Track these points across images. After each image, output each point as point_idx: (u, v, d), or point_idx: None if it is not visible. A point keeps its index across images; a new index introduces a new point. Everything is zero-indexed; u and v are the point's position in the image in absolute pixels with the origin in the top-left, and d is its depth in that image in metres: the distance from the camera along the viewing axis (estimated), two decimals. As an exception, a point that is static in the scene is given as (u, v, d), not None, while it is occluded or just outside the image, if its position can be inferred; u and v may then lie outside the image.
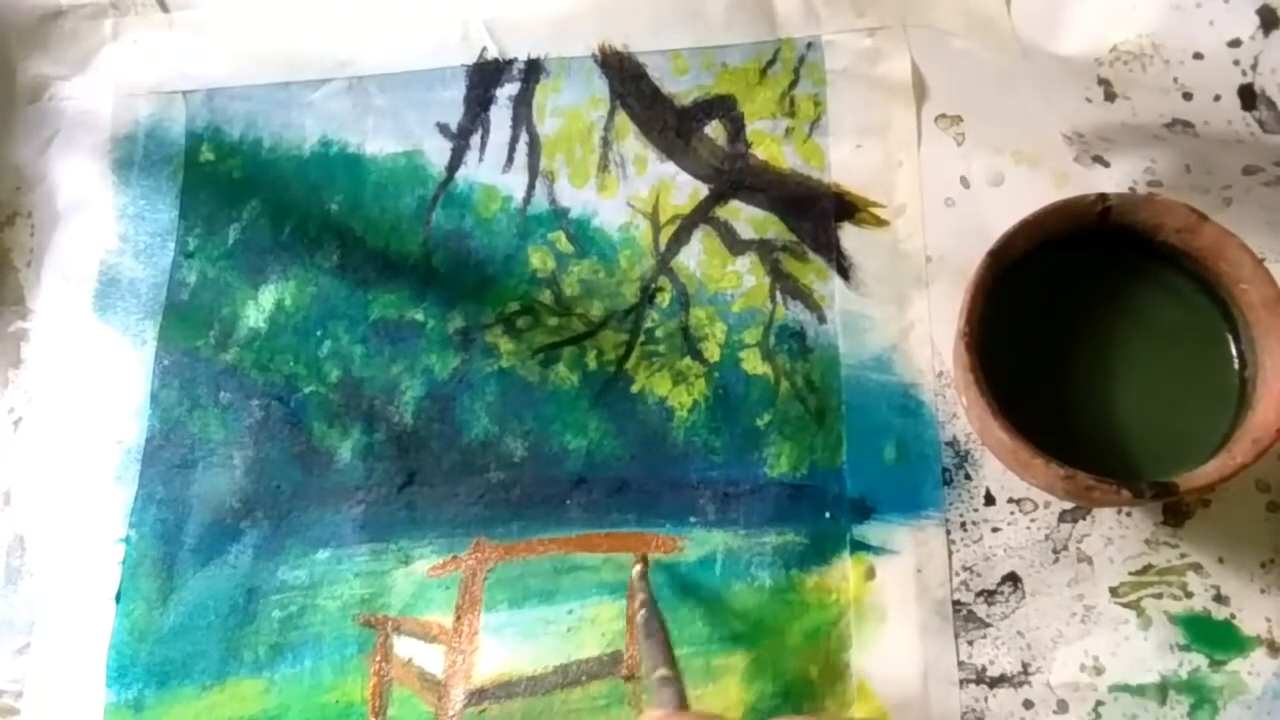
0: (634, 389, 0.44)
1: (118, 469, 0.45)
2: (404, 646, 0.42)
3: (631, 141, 0.47)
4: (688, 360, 0.44)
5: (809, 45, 0.47)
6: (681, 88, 0.48)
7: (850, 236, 0.45)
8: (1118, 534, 0.40)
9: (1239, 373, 0.37)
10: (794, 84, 0.47)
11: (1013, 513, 0.41)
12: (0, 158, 0.50)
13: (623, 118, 0.48)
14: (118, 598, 0.43)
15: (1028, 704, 0.39)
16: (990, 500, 0.41)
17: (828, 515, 0.42)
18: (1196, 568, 0.40)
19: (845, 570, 0.41)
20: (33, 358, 0.47)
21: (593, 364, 0.45)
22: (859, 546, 0.41)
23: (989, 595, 0.40)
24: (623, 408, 0.44)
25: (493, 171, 0.48)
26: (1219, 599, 0.39)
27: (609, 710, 0.40)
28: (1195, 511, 0.40)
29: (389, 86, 0.49)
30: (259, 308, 0.47)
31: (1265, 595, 0.39)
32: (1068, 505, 0.41)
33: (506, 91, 0.49)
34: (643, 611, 0.38)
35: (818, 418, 0.43)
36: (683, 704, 0.33)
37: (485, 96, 0.49)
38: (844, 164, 0.46)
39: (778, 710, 0.39)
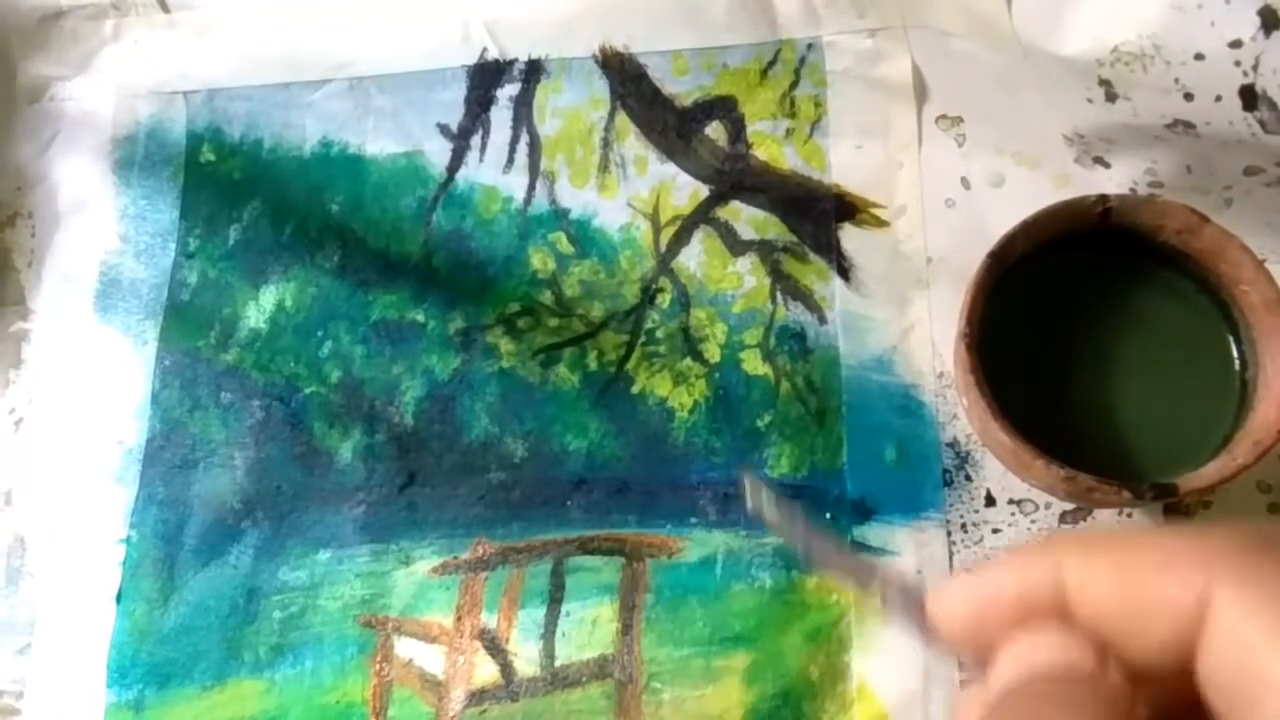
0: (634, 390, 0.44)
1: (118, 469, 0.45)
2: (404, 647, 0.42)
3: (632, 142, 0.47)
4: (688, 361, 0.44)
5: (809, 46, 0.47)
6: (682, 88, 0.48)
7: (851, 237, 0.45)
8: (1118, 535, 0.40)
9: (1240, 374, 0.37)
10: (794, 85, 0.47)
11: (1013, 514, 0.41)
12: (1, 158, 0.50)
13: (623, 118, 0.48)
14: (118, 598, 0.43)
15: (1028, 705, 0.39)
16: (991, 501, 0.41)
17: (828, 516, 0.42)
18: (1197, 569, 0.40)
19: (846, 571, 0.41)
20: (33, 358, 0.47)
21: (593, 365, 0.45)
22: (860, 548, 0.41)
23: (989, 596, 0.40)
24: (623, 408, 0.44)
25: (493, 172, 0.48)
26: (1219, 600, 0.39)
27: (608, 712, 0.40)
28: (1196, 513, 0.40)
29: (389, 87, 0.49)
30: (260, 308, 0.47)
31: (1266, 596, 0.39)
32: (1068, 506, 0.41)
33: (507, 92, 0.49)
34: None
35: (818, 419, 0.43)
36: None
37: (486, 97, 0.49)
38: (844, 165, 0.46)
39: (778, 711, 0.39)
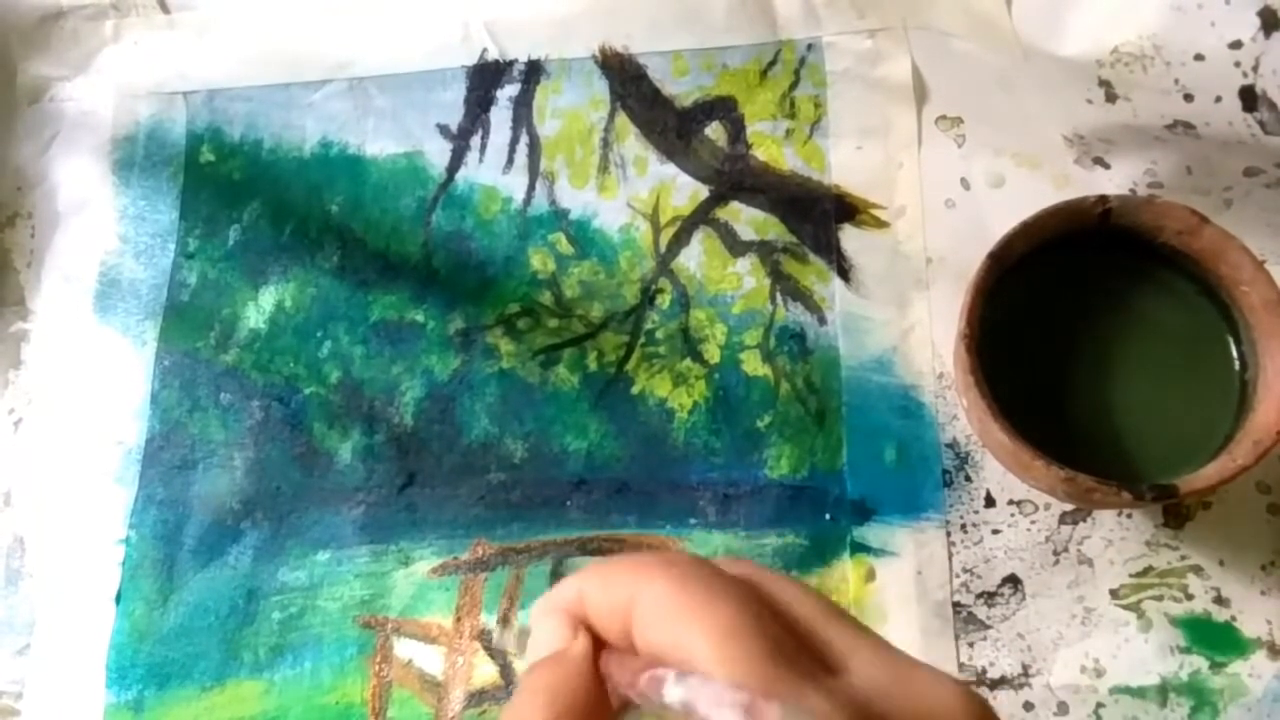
0: (634, 390, 0.44)
1: (118, 470, 0.45)
2: (404, 648, 0.42)
3: (632, 143, 0.47)
4: (688, 362, 0.44)
5: (809, 47, 0.47)
6: (682, 89, 0.48)
7: (851, 238, 0.45)
8: (1118, 536, 0.40)
9: (1240, 375, 0.37)
10: (794, 85, 0.47)
11: (1013, 514, 0.41)
12: (1, 158, 0.50)
13: (623, 119, 0.48)
14: (118, 598, 0.43)
15: (1028, 706, 0.39)
16: (990, 502, 0.41)
17: (828, 517, 0.42)
18: (1197, 570, 0.40)
19: (845, 572, 0.41)
20: (33, 359, 0.47)
21: (593, 365, 0.45)
22: (859, 548, 0.41)
23: (989, 597, 0.40)
24: (623, 409, 0.44)
25: (493, 172, 0.48)
26: (1219, 601, 0.39)
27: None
28: (1196, 513, 0.40)
29: (389, 87, 0.49)
30: (259, 309, 0.47)
31: (1266, 597, 0.39)
32: (1068, 507, 0.41)
33: (507, 93, 0.49)
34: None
35: (818, 419, 0.43)
36: None
37: (485, 98, 0.49)
38: (844, 165, 0.46)
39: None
